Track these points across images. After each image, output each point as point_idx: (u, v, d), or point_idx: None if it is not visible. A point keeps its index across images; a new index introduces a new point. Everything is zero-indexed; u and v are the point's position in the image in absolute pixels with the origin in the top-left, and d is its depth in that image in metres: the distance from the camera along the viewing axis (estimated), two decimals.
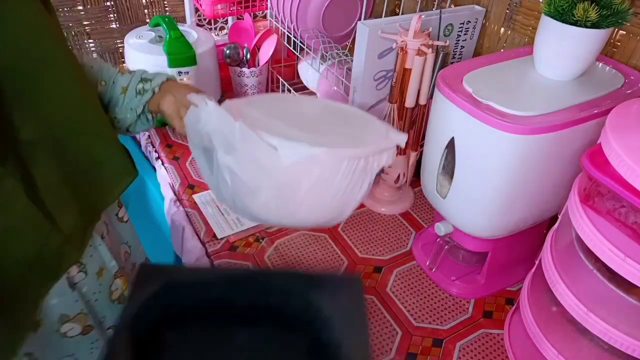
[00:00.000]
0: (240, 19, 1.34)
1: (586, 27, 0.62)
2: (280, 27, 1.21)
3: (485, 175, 0.67)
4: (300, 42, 1.15)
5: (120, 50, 1.40)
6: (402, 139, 0.67)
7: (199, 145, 0.64)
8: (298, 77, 1.32)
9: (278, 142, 0.58)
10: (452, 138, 0.69)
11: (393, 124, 0.90)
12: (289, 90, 1.30)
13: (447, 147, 0.71)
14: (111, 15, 1.34)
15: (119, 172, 0.64)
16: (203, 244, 0.92)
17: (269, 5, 1.22)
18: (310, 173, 0.59)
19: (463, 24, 0.94)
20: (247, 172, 0.60)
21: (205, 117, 0.61)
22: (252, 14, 1.29)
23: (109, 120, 0.66)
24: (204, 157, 0.65)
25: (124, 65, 0.72)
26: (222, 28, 1.48)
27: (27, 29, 0.49)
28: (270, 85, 1.38)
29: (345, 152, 0.60)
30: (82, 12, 1.29)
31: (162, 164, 1.12)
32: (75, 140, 0.56)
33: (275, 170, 0.59)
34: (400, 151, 0.93)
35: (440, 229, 0.80)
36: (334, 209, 0.65)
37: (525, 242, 0.84)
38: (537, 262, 0.68)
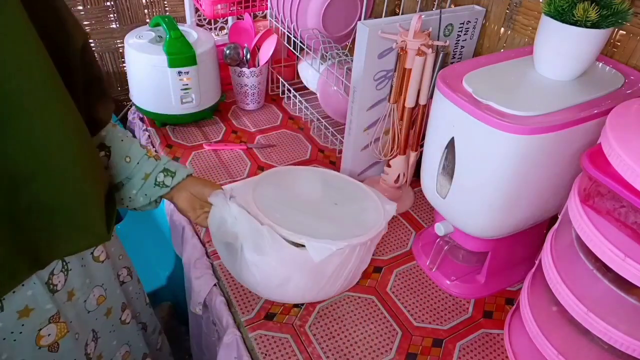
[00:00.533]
0: (240, 19, 1.34)
1: (586, 27, 0.62)
2: (280, 27, 1.21)
3: (485, 175, 0.67)
4: (300, 42, 1.15)
5: (120, 50, 1.40)
6: (394, 209, 0.81)
7: (221, 241, 0.72)
8: (298, 77, 1.32)
9: (306, 241, 0.68)
10: (452, 138, 0.69)
11: (393, 124, 0.90)
12: (288, 90, 1.30)
13: (447, 147, 0.71)
14: (111, 15, 1.34)
15: (81, 231, 0.58)
16: (203, 244, 0.92)
17: (269, 5, 1.22)
18: (333, 261, 0.71)
19: (463, 24, 0.94)
20: (276, 269, 0.70)
21: (232, 221, 0.69)
22: (252, 14, 1.29)
23: (100, 177, 0.61)
24: (224, 247, 0.73)
25: (150, 148, 0.73)
26: (222, 28, 1.48)
27: (7, 62, 0.44)
28: (270, 86, 1.38)
29: (359, 240, 0.72)
30: (82, 12, 1.29)
31: None
32: (36, 184, 0.51)
33: (302, 265, 0.70)
34: (401, 151, 0.93)
35: (440, 229, 0.80)
36: (348, 281, 0.79)
37: (525, 242, 0.84)
38: (537, 262, 0.69)
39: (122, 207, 0.71)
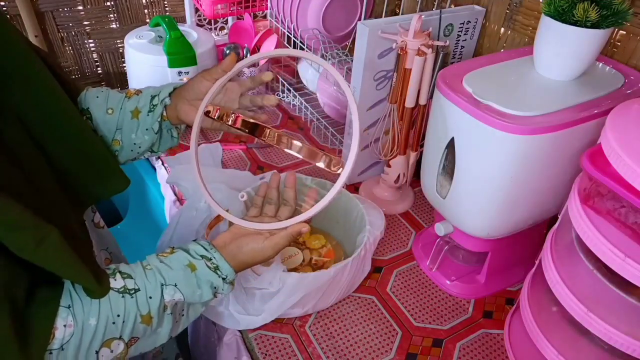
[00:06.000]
0: (240, 19, 1.34)
1: (586, 27, 0.62)
2: (280, 27, 1.21)
3: (485, 175, 0.67)
4: (300, 42, 1.15)
5: (120, 50, 1.40)
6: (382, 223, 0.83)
7: None
8: (298, 77, 1.32)
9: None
10: (452, 138, 0.69)
11: (393, 125, 0.90)
12: (288, 90, 1.30)
13: (447, 147, 0.71)
14: (111, 15, 1.34)
15: (107, 180, 0.63)
16: None
17: (269, 5, 1.22)
18: (325, 279, 0.73)
19: (463, 24, 0.94)
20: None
21: None
22: (252, 14, 1.29)
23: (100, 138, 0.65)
24: None
25: (130, 89, 0.69)
26: (222, 28, 1.48)
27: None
28: (269, 86, 1.38)
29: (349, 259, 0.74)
30: (82, 12, 1.29)
31: (162, 164, 1.12)
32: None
33: (294, 287, 0.72)
34: (401, 151, 0.93)
35: (440, 229, 0.80)
36: (345, 290, 0.80)
37: (525, 242, 0.84)
38: (537, 262, 0.68)
39: (140, 156, 0.70)
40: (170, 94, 0.67)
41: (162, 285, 0.52)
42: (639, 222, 0.50)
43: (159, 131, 0.67)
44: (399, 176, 0.97)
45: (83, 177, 0.59)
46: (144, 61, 1.10)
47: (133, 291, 0.50)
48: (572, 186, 0.59)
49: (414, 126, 0.90)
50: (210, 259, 0.58)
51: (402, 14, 1.16)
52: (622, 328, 0.54)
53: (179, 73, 1.10)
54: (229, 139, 1.20)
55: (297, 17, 1.11)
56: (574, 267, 0.59)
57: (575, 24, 0.62)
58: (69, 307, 0.46)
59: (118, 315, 0.48)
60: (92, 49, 1.36)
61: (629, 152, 0.48)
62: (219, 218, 0.80)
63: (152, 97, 0.67)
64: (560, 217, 0.64)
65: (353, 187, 1.07)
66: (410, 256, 0.92)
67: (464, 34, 0.96)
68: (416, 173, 1.00)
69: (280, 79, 1.32)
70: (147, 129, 0.67)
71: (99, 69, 1.40)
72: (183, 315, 0.57)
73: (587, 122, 0.63)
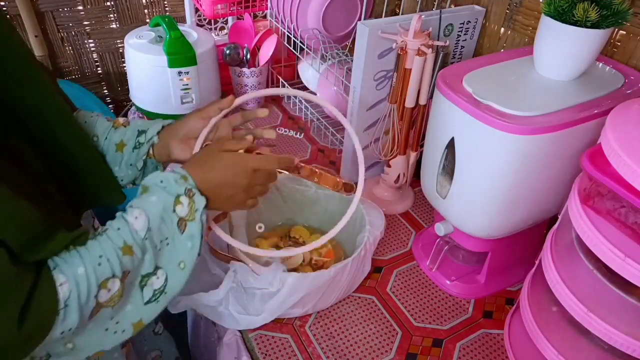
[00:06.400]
0: (240, 19, 1.34)
1: (586, 27, 0.62)
2: (280, 27, 1.21)
3: (485, 175, 0.67)
4: (300, 42, 1.15)
5: (120, 50, 1.40)
6: (382, 223, 0.83)
7: None
8: (298, 77, 1.32)
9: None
10: (452, 138, 0.69)
11: (393, 125, 0.90)
12: None
13: (447, 147, 0.71)
14: (111, 15, 1.34)
15: (104, 191, 0.65)
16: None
17: (269, 5, 1.22)
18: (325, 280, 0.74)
19: (463, 24, 0.94)
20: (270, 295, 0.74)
21: None
22: (252, 14, 1.29)
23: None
24: None
25: (119, 119, 0.69)
26: (222, 28, 1.48)
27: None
28: (270, 86, 1.38)
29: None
30: (82, 12, 1.29)
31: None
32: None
33: (294, 287, 0.72)
34: (401, 151, 0.93)
35: (440, 229, 0.80)
36: (345, 290, 0.80)
37: (525, 242, 0.84)
38: (537, 262, 0.68)
39: (124, 187, 0.69)
40: (158, 132, 0.67)
41: (123, 216, 0.53)
42: (639, 222, 0.50)
43: (143, 168, 0.67)
44: (399, 176, 0.97)
45: (82, 178, 0.60)
46: (144, 61, 1.10)
47: (102, 231, 0.52)
48: (572, 186, 0.59)
49: (414, 126, 0.90)
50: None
51: (402, 14, 1.16)
52: (622, 328, 0.54)
53: (179, 73, 1.10)
54: None
55: (297, 17, 1.11)
56: (574, 267, 0.59)
57: (575, 24, 0.62)
58: (55, 268, 0.47)
59: (100, 256, 0.49)
60: (92, 49, 1.36)
61: (629, 152, 0.48)
62: (224, 214, 0.80)
63: (139, 133, 0.66)
64: (560, 217, 0.64)
65: None
66: (410, 256, 0.92)
67: (464, 34, 0.96)
68: (416, 173, 1.00)
69: (281, 79, 1.32)
70: (130, 164, 0.67)
71: (99, 69, 1.40)
72: (164, 241, 0.55)
73: (587, 122, 0.63)
